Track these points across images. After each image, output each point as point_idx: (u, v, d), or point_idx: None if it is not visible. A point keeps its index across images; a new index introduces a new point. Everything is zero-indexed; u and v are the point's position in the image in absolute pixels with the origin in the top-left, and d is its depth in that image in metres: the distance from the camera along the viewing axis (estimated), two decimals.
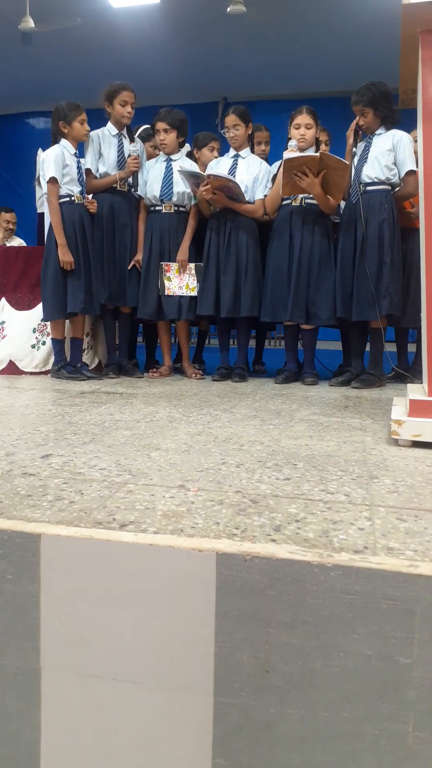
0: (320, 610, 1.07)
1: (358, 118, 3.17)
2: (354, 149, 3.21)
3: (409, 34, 1.95)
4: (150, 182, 3.51)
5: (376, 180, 3.13)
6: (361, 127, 3.17)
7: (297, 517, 1.29)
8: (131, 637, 1.15)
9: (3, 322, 3.75)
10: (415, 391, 2.10)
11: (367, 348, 3.37)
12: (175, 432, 2.06)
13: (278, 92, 7.09)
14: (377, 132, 3.16)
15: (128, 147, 3.48)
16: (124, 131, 3.51)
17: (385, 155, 3.10)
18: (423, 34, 1.92)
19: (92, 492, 1.41)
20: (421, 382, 2.23)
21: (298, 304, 3.28)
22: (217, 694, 1.12)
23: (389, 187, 3.15)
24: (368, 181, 3.14)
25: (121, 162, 3.47)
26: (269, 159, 3.75)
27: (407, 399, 2.03)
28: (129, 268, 3.52)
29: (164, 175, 3.48)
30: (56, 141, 3.40)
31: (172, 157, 3.51)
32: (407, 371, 3.44)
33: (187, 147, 3.77)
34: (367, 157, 3.15)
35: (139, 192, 3.56)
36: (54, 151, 3.35)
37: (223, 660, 1.11)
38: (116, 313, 3.62)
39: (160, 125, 3.46)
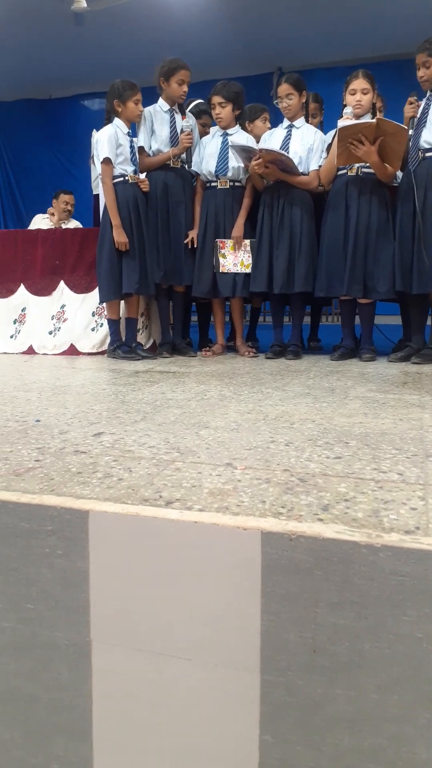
0: (369, 591, 1.05)
1: (418, 70, 2.99)
2: (414, 116, 3.04)
3: None
4: (206, 158, 3.46)
5: None
6: (421, 79, 3.00)
7: (346, 496, 1.25)
8: (177, 613, 1.15)
9: (63, 306, 3.83)
10: None
11: (429, 322, 3.24)
12: (225, 410, 2.05)
13: (333, 59, 6.80)
14: None
15: (180, 123, 3.45)
16: (176, 106, 3.47)
17: None
18: None
19: (141, 469, 1.42)
20: None
21: (355, 277, 3.18)
22: (263, 672, 1.11)
23: None
24: (427, 147, 2.99)
25: (174, 138, 3.43)
26: (324, 129, 3.63)
27: None
28: (185, 242, 3.50)
29: (220, 150, 3.43)
30: (110, 120, 3.40)
31: (229, 131, 3.44)
32: None
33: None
34: (425, 121, 2.99)
35: (193, 168, 3.52)
36: (107, 131, 3.36)
37: (269, 638, 1.10)
38: (170, 292, 3.62)
39: (216, 99, 3.40)
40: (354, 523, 1.12)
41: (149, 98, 3.47)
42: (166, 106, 3.44)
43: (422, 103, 3.03)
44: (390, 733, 1.05)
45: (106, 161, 3.33)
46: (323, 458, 1.51)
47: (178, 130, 3.43)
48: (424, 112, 3.01)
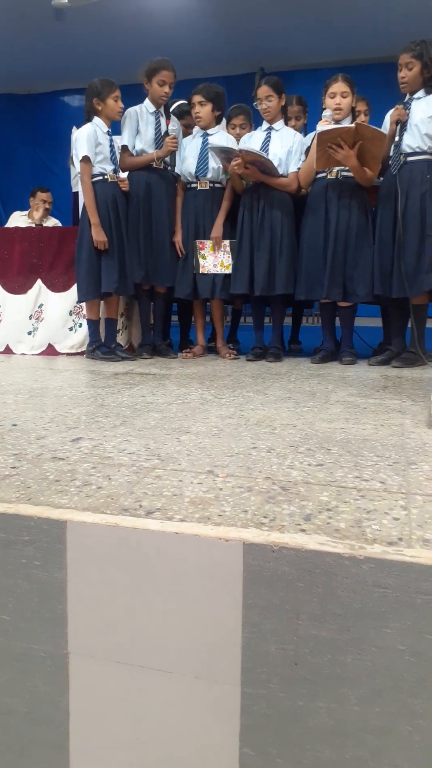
0: (351, 604, 1.04)
1: (400, 71, 3.00)
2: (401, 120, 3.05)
3: None
4: (186, 159, 3.45)
5: (417, 150, 2.99)
6: (402, 80, 3.01)
7: (329, 505, 1.24)
8: (157, 625, 1.13)
9: (41, 305, 3.77)
10: None
11: (410, 325, 3.25)
12: (206, 415, 2.04)
13: (317, 60, 6.81)
14: (416, 96, 3.01)
15: (164, 125, 3.42)
16: (161, 109, 3.45)
17: (426, 122, 2.95)
18: None
19: (120, 477, 1.39)
20: None
21: (335, 280, 3.19)
22: (244, 684, 1.10)
23: (431, 157, 3.01)
24: (409, 151, 3.00)
25: (159, 140, 3.40)
26: (307, 131, 3.63)
27: None
28: (180, 255, 3.49)
29: (200, 151, 3.42)
30: (89, 119, 3.36)
31: (209, 131, 3.43)
32: None
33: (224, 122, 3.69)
34: (408, 125, 3.00)
35: (177, 170, 3.50)
36: (86, 129, 3.32)
37: (250, 651, 1.09)
38: (151, 293, 3.59)
39: (196, 98, 3.40)
40: (336, 533, 1.11)
41: (129, 97, 3.43)
42: (152, 108, 3.41)
43: (407, 108, 3.04)
44: (372, 746, 1.05)
45: (85, 159, 3.29)
46: (305, 465, 1.50)
47: (162, 132, 3.40)
48: (408, 116, 3.02)
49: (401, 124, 3.03)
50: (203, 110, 3.37)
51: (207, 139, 3.40)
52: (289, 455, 1.59)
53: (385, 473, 1.44)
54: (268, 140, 3.34)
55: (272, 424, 1.92)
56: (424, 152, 2.99)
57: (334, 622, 1.05)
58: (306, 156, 3.29)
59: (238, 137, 3.53)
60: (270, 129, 3.37)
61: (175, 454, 1.58)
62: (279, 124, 3.37)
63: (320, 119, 3.17)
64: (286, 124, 3.45)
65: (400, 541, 1.08)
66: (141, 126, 3.40)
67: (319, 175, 3.23)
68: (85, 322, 3.58)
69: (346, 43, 6.62)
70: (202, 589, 1.11)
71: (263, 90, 3.30)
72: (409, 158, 3.01)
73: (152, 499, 1.26)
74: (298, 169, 3.31)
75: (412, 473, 1.44)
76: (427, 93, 3.00)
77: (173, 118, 3.53)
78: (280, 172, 3.29)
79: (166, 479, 1.38)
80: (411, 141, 3.00)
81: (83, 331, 3.64)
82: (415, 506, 1.24)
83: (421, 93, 3.01)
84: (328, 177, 3.19)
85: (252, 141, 3.37)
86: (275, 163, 3.24)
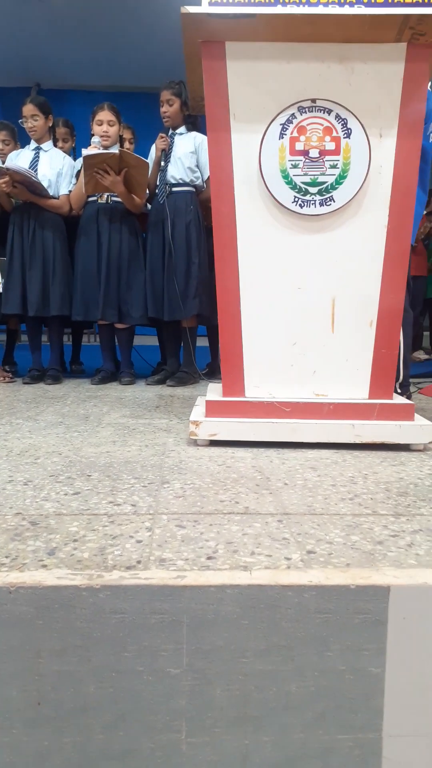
0: (91, 633, 1.05)
1: (162, 106, 3.17)
2: (165, 149, 3.21)
3: (190, 43, 1.98)
4: None
5: (181, 181, 3.18)
6: (164, 114, 3.19)
7: (76, 536, 1.25)
8: None
9: None
10: (212, 392, 2.17)
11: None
12: None
13: (91, 83, 6.91)
14: (179, 131, 3.21)
15: None
16: None
17: (188, 157, 3.16)
18: (204, 44, 1.96)
19: None
20: None
21: (110, 302, 3.24)
22: None
23: (194, 189, 3.22)
24: (174, 182, 3.18)
25: None
26: (75, 154, 3.65)
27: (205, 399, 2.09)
28: None
29: None
30: None
31: None
32: (219, 368, 3.57)
33: None
34: (170, 157, 3.18)
35: None
36: None
37: None
38: None
39: None
40: (78, 564, 1.12)
41: None
42: None
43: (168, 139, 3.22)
44: None
45: None
46: (61, 495, 1.49)
47: None
48: (169, 150, 3.20)
49: (165, 154, 3.20)
50: None
51: None
52: (47, 486, 1.56)
53: (138, 495, 1.50)
54: (37, 160, 3.29)
55: (36, 453, 1.88)
56: (186, 184, 3.19)
57: (75, 654, 1.05)
58: (77, 179, 3.31)
59: (0, 153, 3.43)
60: (38, 149, 3.32)
61: None
62: (47, 145, 3.34)
63: (90, 144, 3.21)
64: (55, 145, 3.43)
65: (138, 564, 1.12)
66: None
67: (91, 199, 3.27)
68: None
69: (117, 70, 6.82)
70: None
71: (28, 108, 3.25)
72: (174, 188, 3.19)
73: None
74: (69, 191, 3.31)
75: (164, 493, 1.51)
76: (188, 130, 3.22)
77: None
78: (51, 193, 3.26)
79: None
80: (175, 172, 3.18)
81: None
82: (159, 526, 1.30)
83: (182, 129, 3.22)
84: (99, 201, 3.25)
85: (20, 159, 3.29)
86: (45, 184, 3.20)
